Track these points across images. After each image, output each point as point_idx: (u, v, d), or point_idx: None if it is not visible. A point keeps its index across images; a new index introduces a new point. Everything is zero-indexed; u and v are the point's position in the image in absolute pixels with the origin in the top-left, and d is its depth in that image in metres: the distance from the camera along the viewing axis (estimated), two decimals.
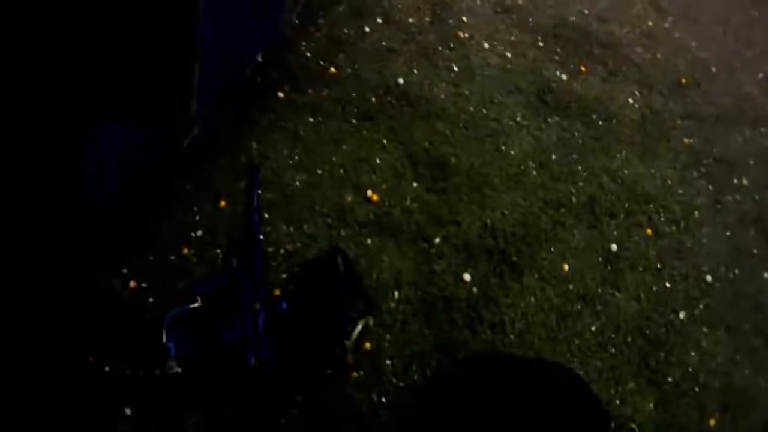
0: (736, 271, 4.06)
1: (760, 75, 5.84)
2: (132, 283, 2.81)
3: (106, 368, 2.54)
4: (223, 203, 3.20)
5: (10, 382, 2.34)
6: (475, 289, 3.29)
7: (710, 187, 4.51)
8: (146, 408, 2.50)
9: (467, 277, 3.31)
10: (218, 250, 3.04)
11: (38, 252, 2.41)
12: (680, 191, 4.36)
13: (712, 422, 3.34)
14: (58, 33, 1.80)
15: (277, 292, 2.98)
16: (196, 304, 2.70)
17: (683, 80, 5.31)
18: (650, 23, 5.85)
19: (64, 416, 2.42)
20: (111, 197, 2.78)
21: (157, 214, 3.07)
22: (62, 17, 1.77)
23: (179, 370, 2.51)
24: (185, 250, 3.01)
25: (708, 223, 4.26)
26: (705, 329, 3.68)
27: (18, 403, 2.36)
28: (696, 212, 4.27)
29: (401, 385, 2.91)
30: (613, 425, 3.03)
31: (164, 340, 2.55)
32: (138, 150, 2.79)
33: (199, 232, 3.09)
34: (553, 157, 4.12)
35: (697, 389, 3.42)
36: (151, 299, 2.79)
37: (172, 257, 2.97)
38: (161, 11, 1.83)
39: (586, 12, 5.60)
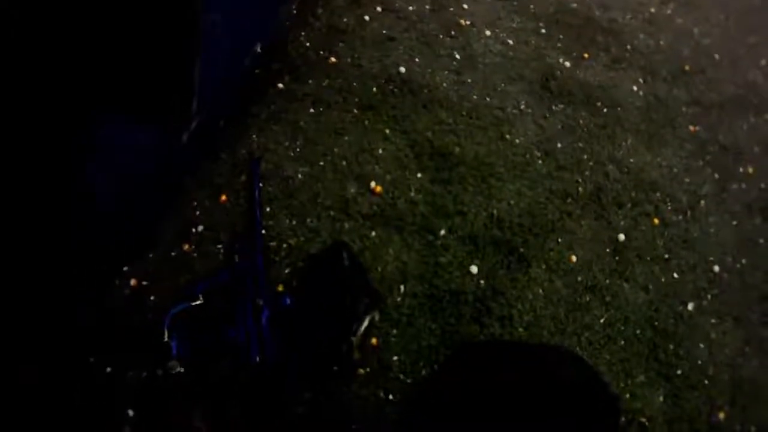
0: (743, 261, 4.01)
1: (763, 62, 5.80)
2: (133, 282, 2.76)
3: (108, 369, 2.49)
4: (223, 197, 3.14)
5: (10, 382, 2.32)
6: (482, 282, 3.23)
7: (716, 176, 4.47)
8: (149, 409, 2.45)
9: (474, 269, 3.25)
10: (219, 246, 2.98)
11: (38, 251, 2.38)
12: (686, 180, 4.31)
13: (721, 415, 3.31)
14: (58, 33, 1.77)
15: (281, 287, 2.92)
16: (198, 302, 2.66)
17: (687, 67, 5.26)
18: (653, 9, 5.80)
19: (65, 418, 2.37)
20: (110, 194, 2.73)
21: (156, 210, 3.01)
22: (63, 17, 1.74)
23: (182, 369, 2.47)
24: (186, 246, 2.95)
25: (714, 211, 4.22)
26: (713, 320, 3.63)
27: (18, 403, 2.32)
28: (702, 201, 4.23)
29: (409, 381, 2.86)
30: (620, 406, 3.02)
31: (166, 338, 2.52)
32: (135, 145, 2.74)
33: (200, 228, 3.02)
34: (559, 145, 4.06)
35: (706, 382, 3.38)
36: (152, 297, 2.74)
37: (173, 254, 2.91)
38: (162, 11, 1.79)
39: None
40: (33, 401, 2.35)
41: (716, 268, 3.88)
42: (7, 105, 1.80)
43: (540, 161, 3.91)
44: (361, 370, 2.81)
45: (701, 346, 3.50)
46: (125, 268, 2.78)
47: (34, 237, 2.34)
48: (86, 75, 1.84)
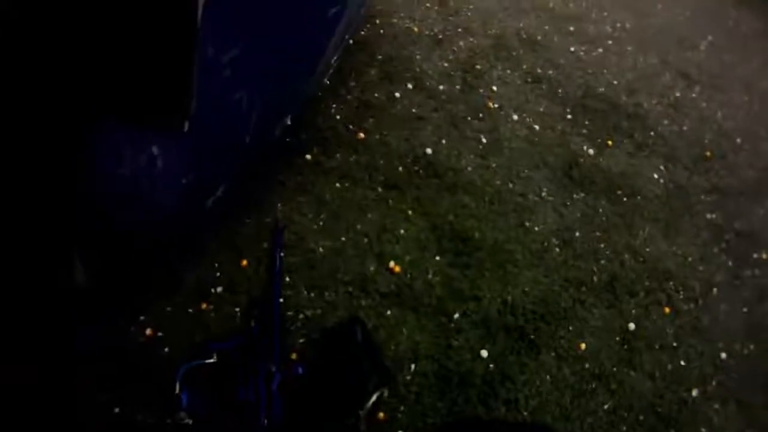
0: (751, 347, 4.03)
1: None
2: (148, 331, 2.86)
3: (116, 409, 2.58)
4: (245, 262, 3.23)
5: (11, 382, 2.36)
6: (491, 366, 3.29)
7: (730, 263, 4.50)
8: None
9: (484, 353, 3.31)
10: (237, 309, 3.07)
11: (42, 258, 2.40)
12: (700, 268, 4.35)
13: None
14: (55, 32, 1.80)
15: (294, 356, 2.98)
16: (212, 360, 2.72)
17: (708, 153, 5.34)
18: (678, 93, 5.92)
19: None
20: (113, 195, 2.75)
21: (179, 267, 3.10)
22: (61, 17, 1.77)
23: (190, 421, 2.53)
24: (204, 305, 3.04)
25: (726, 299, 4.24)
26: (716, 406, 3.65)
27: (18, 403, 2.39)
28: (715, 289, 4.26)
29: None
30: None
31: (177, 390, 2.57)
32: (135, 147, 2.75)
33: (219, 289, 3.12)
34: (577, 234, 4.13)
35: None
36: (166, 349, 2.84)
37: (191, 310, 3.01)
38: (160, 11, 1.82)
39: (615, 83, 5.68)
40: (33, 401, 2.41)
41: (723, 355, 3.90)
42: (6, 106, 1.83)
43: (557, 249, 3.98)
44: None
45: (702, 430, 3.52)
46: (142, 317, 2.88)
47: (38, 242, 2.35)
48: (84, 75, 1.86)
